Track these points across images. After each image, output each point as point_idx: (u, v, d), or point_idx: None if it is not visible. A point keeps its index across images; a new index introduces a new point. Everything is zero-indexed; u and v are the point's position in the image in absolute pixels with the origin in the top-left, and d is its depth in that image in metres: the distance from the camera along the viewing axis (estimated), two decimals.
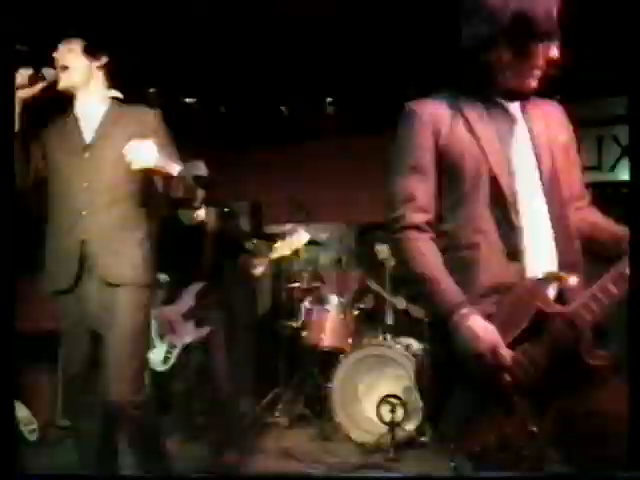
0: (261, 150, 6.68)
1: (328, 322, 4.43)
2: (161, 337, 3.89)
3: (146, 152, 2.44)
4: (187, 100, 4.98)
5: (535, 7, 1.62)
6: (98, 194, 2.61)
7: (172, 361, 3.86)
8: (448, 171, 1.73)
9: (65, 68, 2.69)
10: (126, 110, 2.77)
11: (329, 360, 4.36)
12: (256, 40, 4.63)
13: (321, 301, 4.65)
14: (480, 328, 1.58)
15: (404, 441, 3.84)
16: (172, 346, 3.88)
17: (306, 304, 4.77)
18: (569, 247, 1.69)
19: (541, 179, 1.71)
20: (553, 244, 1.68)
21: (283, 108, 6.42)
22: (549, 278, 1.61)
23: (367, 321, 4.59)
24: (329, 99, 6.20)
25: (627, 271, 1.55)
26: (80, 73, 2.73)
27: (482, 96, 1.76)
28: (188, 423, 4.12)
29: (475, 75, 1.76)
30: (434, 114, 1.75)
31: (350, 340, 4.34)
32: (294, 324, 4.78)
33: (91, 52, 2.74)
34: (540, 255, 1.67)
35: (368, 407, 4.15)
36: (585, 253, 1.75)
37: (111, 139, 2.66)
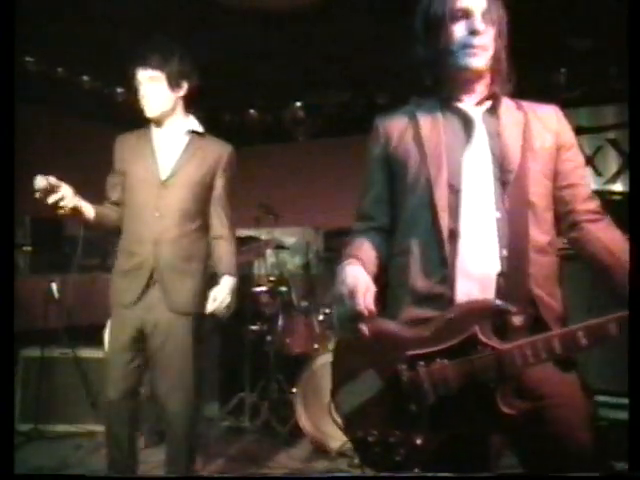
0: None
1: (294, 327, 4.41)
2: None
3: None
4: None
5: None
6: (169, 225, 2.76)
7: None
8: (397, 178, 1.77)
9: (149, 98, 2.77)
10: (204, 144, 2.89)
11: (294, 365, 4.34)
12: (227, 41, 4.61)
13: (287, 306, 4.63)
14: (348, 273, 1.61)
15: None
16: None
17: (272, 308, 4.76)
18: (523, 259, 1.59)
19: (500, 184, 1.64)
20: (503, 252, 1.59)
21: (251, 111, 6.41)
22: (498, 309, 1.52)
23: (332, 326, 4.58)
24: (298, 103, 6.22)
25: (612, 329, 1.43)
26: (163, 104, 2.80)
27: (443, 102, 1.76)
28: (153, 427, 4.06)
29: (433, 82, 1.78)
30: (388, 125, 1.81)
31: (315, 345, 4.33)
32: (260, 328, 4.75)
33: (174, 82, 2.78)
34: (481, 261, 1.59)
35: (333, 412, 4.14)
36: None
37: (186, 174, 2.80)
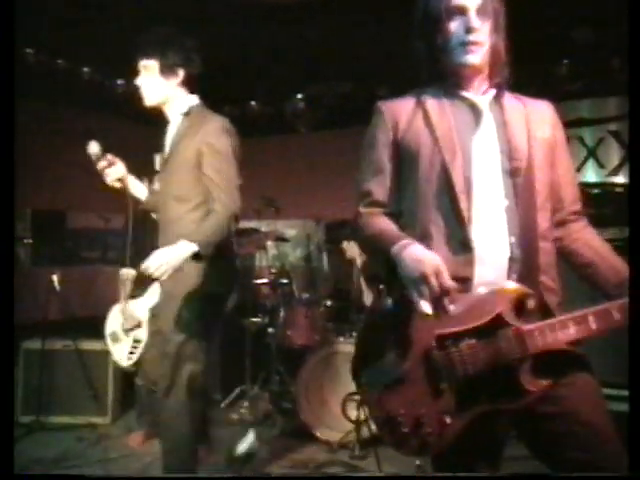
0: None
1: (295, 319, 4.41)
2: (126, 332, 3.83)
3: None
4: None
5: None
6: (164, 209, 2.78)
7: (137, 356, 3.81)
8: (406, 163, 1.76)
9: (144, 87, 2.78)
10: (195, 121, 2.79)
11: (295, 357, 4.35)
12: (228, 33, 4.60)
13: (288, 298, 4.63)
14: (421, 252, 1.58)
15: (369, 439, 3.84)
16: (137, 341, 3.83)
17: (273, 300, 4.76)
18: (532, 246, 1.65)
19: (509, 172, 1.68)
20: (512, 238, 1.64)
21: (252, 102, 6.40)
22: (523, 294, 1.58)
23: (334, 318, 4.59)
24: (299, 95, 6.20)
25: (616, 315, 1.52)
26: (158, 92, 2.79)
27: (447, 91, 1.77)
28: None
29: (433, 77, 1.79)
30: (395, 110, 1.80)
31: (317, 337, 4.33)
32: (261, 320, 4.76)
33: (167, 71, 2.76)
34: (493, 247, 1.64)
35: (334, 404, 4.15)
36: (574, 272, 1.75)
37: (176, 155, 2.77)
